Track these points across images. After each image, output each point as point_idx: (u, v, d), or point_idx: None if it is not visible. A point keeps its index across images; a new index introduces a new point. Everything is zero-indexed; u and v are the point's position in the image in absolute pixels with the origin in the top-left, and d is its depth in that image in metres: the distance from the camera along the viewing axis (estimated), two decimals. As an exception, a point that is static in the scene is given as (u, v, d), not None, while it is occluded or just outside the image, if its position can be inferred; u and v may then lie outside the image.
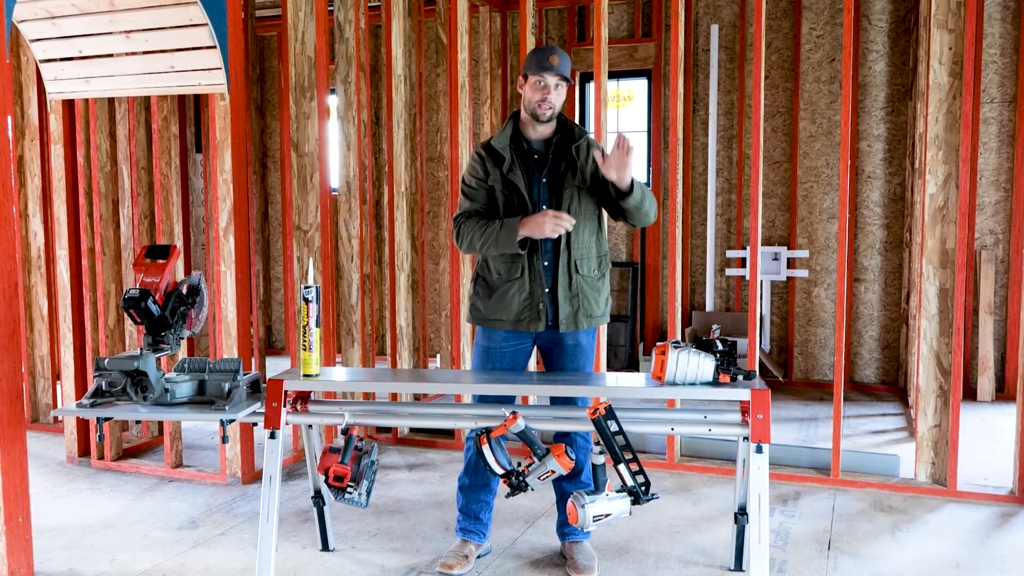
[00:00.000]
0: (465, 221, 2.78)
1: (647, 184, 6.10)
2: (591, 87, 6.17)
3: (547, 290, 2.72)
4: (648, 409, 2.61)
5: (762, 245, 5.74)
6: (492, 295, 2.77)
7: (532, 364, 3.97)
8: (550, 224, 2.59)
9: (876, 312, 5.66)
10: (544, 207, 2.71)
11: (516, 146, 2.75)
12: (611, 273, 6.16)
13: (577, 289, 2.72)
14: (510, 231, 2.64)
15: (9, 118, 2.65)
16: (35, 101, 4.41)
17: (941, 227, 3.53)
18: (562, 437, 2.79)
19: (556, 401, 2.79)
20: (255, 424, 2.70)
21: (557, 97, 2.68)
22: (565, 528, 2.90)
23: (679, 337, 3.93)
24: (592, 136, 2.85)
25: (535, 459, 2.42)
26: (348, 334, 4.44)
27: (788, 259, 5.75)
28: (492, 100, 5.69)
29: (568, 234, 2.68)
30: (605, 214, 2.84)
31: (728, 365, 2.46)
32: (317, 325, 2.62)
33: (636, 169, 6.17)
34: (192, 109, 6.17)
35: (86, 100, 3.90)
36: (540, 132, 2.74)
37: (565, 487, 2.81)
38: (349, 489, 2.55)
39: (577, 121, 6.16)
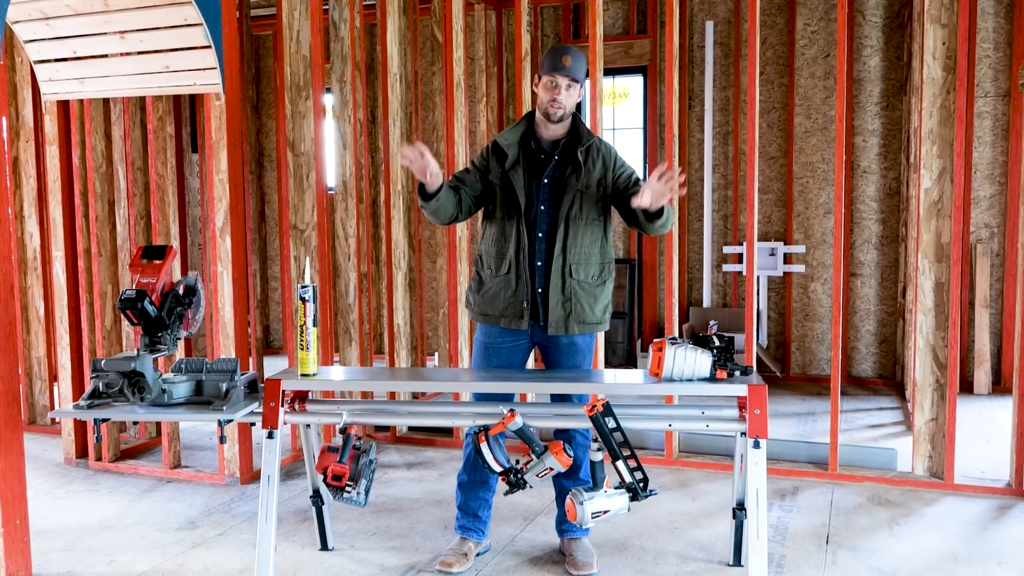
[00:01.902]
0: None
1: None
2: (587, 84, 6.16)
3: (539, 290, 2.72)
4: (646, 406, 2.61)
5: (758, 241, 5.75)
6: (481, 289, 2.81)
7: (532, 362, 3.97)
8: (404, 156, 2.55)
9: (872, 307, 5.67)
10: (543, 207, 2.71)
11: (525, 145, 2.76)
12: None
13: (571, 294, 2.71)
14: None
15: (4, 119, 2.64)
16: (30, 102, 4.40)
17: (936, 221, 3.54)
18: (562, 434, 2.79)
19: (556, 399, 2.79)
20: (253, 424, 2.70)
21: (568, 98, 2.68)
22: (564, 525, 2.90)
23: (676, 333, 3.94)
24: (604, 140, 2.83)
25: (533, 456, 2.43)
26: (346, 333, 4.44)
27: (784, 254, 5.76)
28: (488, 98, 5.69)
29: (564, 238, 2.68)
30: (611, 221, 2.82)
31: (725, 361, 2.46)
32: (314, 324, 2.62)
33: (636, 168, 6.19)
34: (188, 109, 6.16)
35: (81, 101, 3.89)
36: (552, 132, 2.74)
37: (564, 484, 2.82)
38: (348, 488, 2.55)
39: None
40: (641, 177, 2.78)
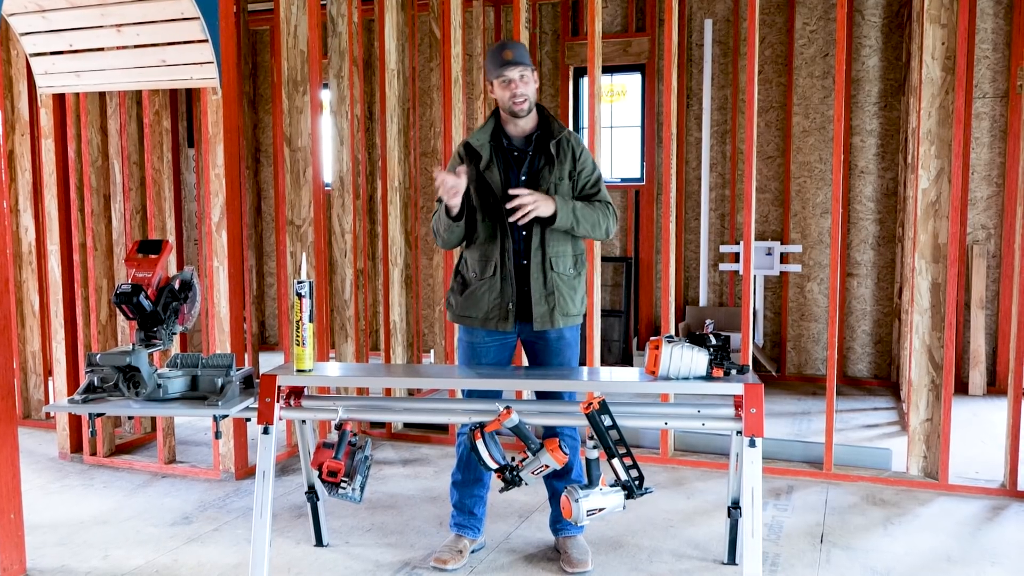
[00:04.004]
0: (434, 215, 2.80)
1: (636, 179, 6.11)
2: (585, 82, 6.16)
3: (525, 288, 2.71)
4: (642, 404, 2.61)
5: (755, 240, 5.75)
6: (464, 292, 2.78)
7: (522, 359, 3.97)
8: (441, 187, 2.59)
9: (869, 307, 5.68)
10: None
11: (496, 143, 2.74)
12: (605, 268, 6.16)
13: (553, 287, 2.70)
14: (441, 202, 2.67)
15: (-1, 112, 2.63)
16: (25, 95, 4.38)
17: (933, 222, 3.54)
18: (549, 432, 2.78)
19: (541, 396, 2.77)
20: (248, 420, 2.69)
21: (527, 87, 2.66)
22: (559, 523, 2.90)
23: (673, 332, 3.94)
24: (573, 132, 2.80)
25: (529, 454, 2.43)
26: (342, 329, 4.44)
27: (781, 254, 5.76)
28: (486, 95, 5.67)
29: (542, 232, 2.68)
30: None
31: (721, 360, 2.46)
32: (311, 320, 2.61)
33: (630, 168, 6.19)
34: (184, 103, 6.14)
35: (77, 94, 3.88)
36: (521, 128, 2.73)
37: (555, 484, 2.81)
38: (343, 484, 2.55)
39: (571, 116, 6.16)
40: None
